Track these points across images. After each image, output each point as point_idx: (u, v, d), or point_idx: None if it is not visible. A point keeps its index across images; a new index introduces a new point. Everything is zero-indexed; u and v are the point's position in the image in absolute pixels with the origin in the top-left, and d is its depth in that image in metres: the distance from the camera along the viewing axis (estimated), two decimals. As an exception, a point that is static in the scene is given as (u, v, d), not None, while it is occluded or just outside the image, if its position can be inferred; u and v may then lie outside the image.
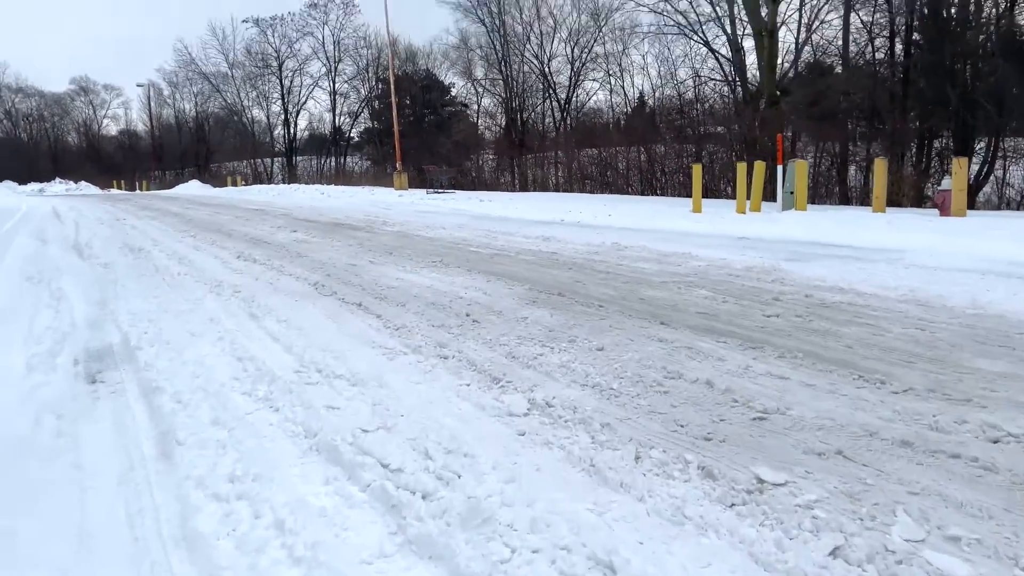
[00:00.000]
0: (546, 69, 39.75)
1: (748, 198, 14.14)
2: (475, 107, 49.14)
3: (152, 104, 63.67)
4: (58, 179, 55.30)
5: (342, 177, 48.19)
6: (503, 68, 41.21)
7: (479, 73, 46.85)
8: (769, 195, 15.91)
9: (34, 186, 50.32)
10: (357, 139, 58.40)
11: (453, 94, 53.11)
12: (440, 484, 2.65)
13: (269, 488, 2.66)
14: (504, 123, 42.91)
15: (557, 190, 29.49)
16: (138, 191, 49.40)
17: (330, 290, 6.67)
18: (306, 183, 45.66)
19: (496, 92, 44.17)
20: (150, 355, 4.53)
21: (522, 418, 3.30)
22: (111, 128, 72.31)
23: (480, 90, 47.07)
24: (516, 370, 4.02)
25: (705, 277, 6.64)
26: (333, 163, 60.29)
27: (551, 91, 40.23)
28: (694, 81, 28.54)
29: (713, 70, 27.70)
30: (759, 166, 14.36)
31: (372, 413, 3.38)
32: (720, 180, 22.40)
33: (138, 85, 65.58)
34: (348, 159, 58.15)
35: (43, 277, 6.90)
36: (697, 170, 14.82)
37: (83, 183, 53.48)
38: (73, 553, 2.31)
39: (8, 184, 49.32)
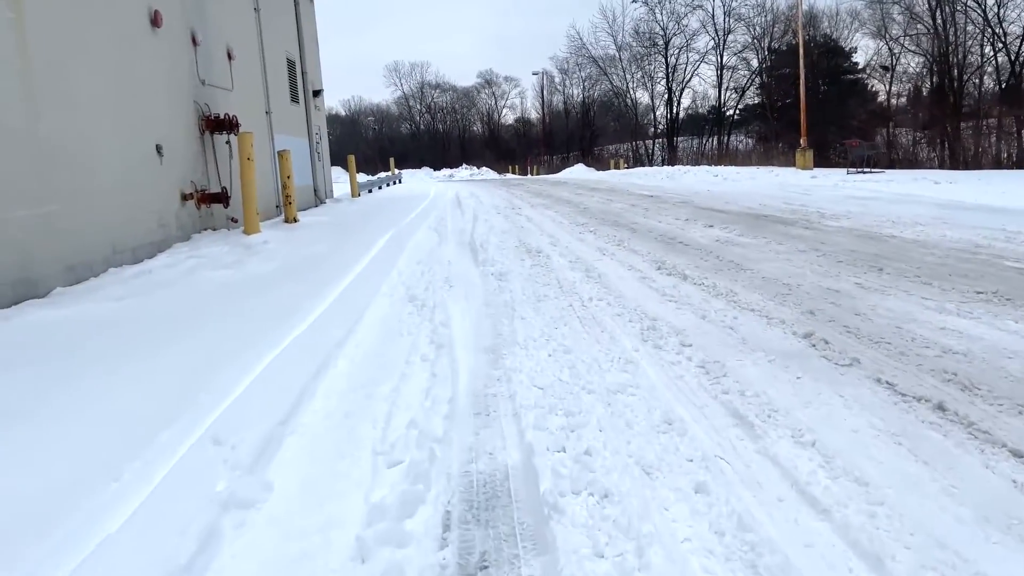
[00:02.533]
0: (991, 15, 31.20)
1: None
2: (885, 72, 41.41)
3: (544, 91, 67.30)
4: (464, 165, 61.40)
5: (727, 157, 44.84)
6: (935, 16, 33.59)
7: (895, 30, 39.56)
8: None
9: (445, 171, 56.37)
10: (738, 117, 54.24)
11: (854, 60, 46.08)
12: None
13: None
14: (930, 85, 35.23)
15: (1002, 166, 22.49)
16: (529, 175, 52.09)
17: (839, 351, 3.86)
18: (689, 164, 43.53)
19: (920, 50, 36.60)
20: (585, 523, 2.24)
21: None
22: (508, 117, 78.69)
23: (897, 50, 39.66)
24: None
25: None
26: (715, 142, 57.22)
27: (999, 42, 31.55)
28: None
29: None
30: None
31: None
32: None
33: (533, 74, 70.31)
34: (731, 138, 54.51)
35: (429, 298, 5.32)
36: None
37: (484, 168, 58.43)
38: None
39: (426, 170, 56.15)
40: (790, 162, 30.07)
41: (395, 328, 4.62)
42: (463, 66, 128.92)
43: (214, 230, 10.29)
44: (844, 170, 20.18)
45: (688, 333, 4.37)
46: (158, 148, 8.70)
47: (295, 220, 11.35)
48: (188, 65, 9.89)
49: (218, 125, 10.33)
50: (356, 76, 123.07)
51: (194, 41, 10.08)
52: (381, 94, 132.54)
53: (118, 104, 7.75)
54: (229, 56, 11.58)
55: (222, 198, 10.02)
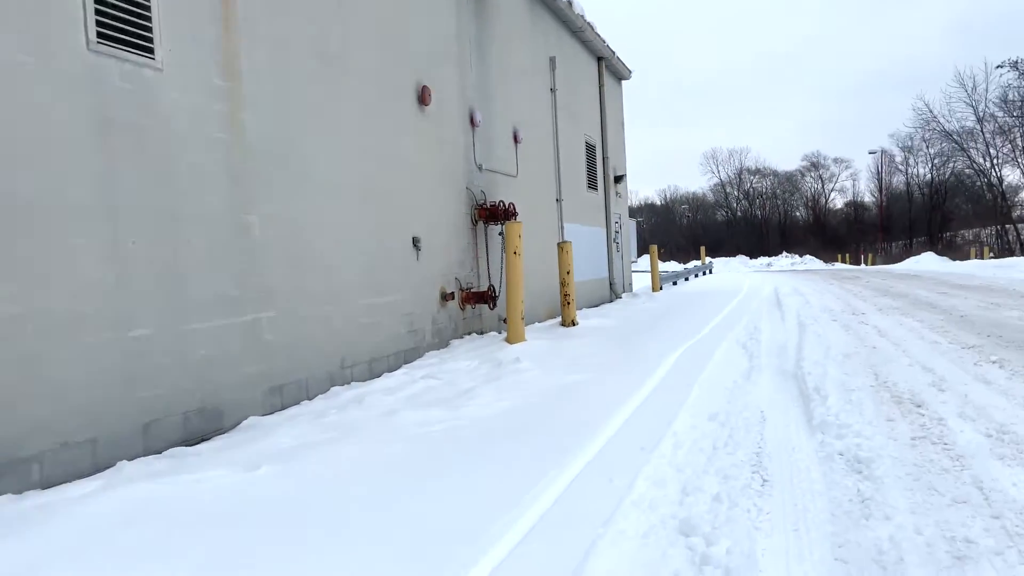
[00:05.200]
0: None
1: None
2: None
3: (882, 172, 59.74)
4: (784, 253, 56.26)
5: None
6: None
7: None
8: None
9: (762, 260, 51.99)
10: None
11: None
12: None
13: None
14: None
15: None
16: (863, 265, 45.58)
17: None
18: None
19: None
20: None
21: None
22: (837, 201, 71.54)
23: None
24: None
25: None
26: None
27: None
28: None
29: None
30: None
31: None
32: None
33: (870, 153, 63.09)
34: None
35: (717, 531, 2.83)
36: None
37: (807, 256, 52.83)
38: None
39: (741, 259, 52.38)
40: None
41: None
42: (785, 149, 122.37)
43: (481, 333, 8.89)
44: None
45: None
46: (415, 241, 7.50)
47: (573, 323, 9.54)
48: (463, 148, 8.79)
49: (492, 215, 9.04)
50: (673, 165, 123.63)
51: (472, 122, 9.00)
52: (697, 182, 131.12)
53: (365, 190, 6.65)
54: (515, 139, 10.43)
55: (488, 298, 8.58)
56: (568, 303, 9.59)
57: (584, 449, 3.65)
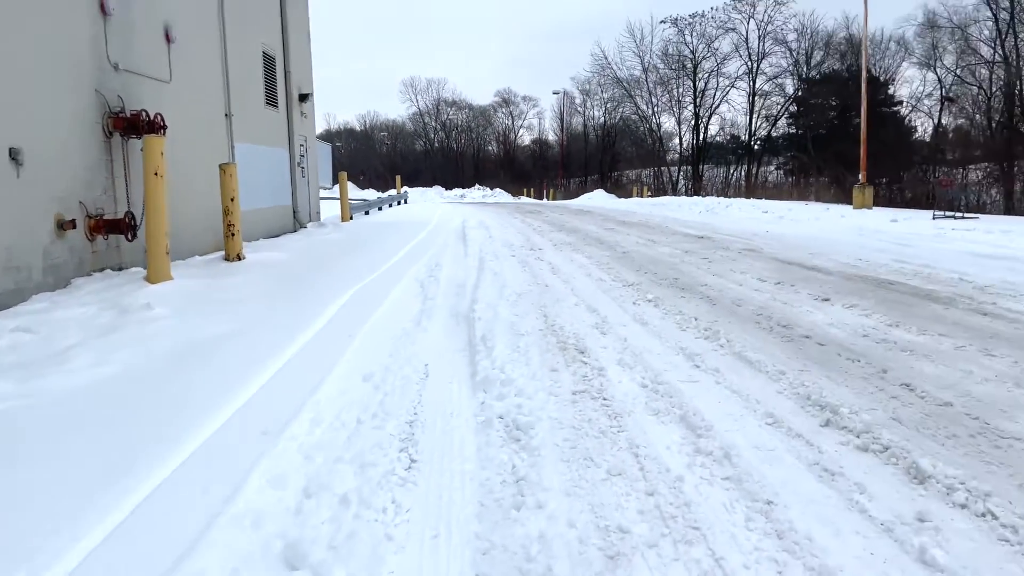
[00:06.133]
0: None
1: None
2: (952, 103, 38.39)
3: (564, 112, 64.57)
4: (477, 185, 58.57)
5: (758, 189, 41.77)
6: (1003, 44, 30.57)
7: (947, 60, 36.70)
8: None
9: (457, 192, 53.51)
10: (768, 146, 51.05)
11: (891, 92, 43.07)
12: None
13: None
14: (993, 119, 32.07)
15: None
16: (545, 199, 49.18)
17: None
18: (715, 195, 40.44)
19: (976, 81, 33.58)
20: None
21: None
22: (525, 138, 75.88)
23: (950, 79, 36.62)
24: None
25: None
26: (743, 172, 54.13)
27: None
28: None
29: None
30: None
31: None
32: None
33: (553, 93, 67.37)
34: (761, 168, 51.45)
35: (335, 544, 2.28)
36: None
37: (498, 190, 55.53)
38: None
39: (437, 189, 53.30)
40: (837, 198, 27.11)
41: None
42: (481, 85, 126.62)
43: (119, 270, 7.38)
44: (927, 213, 17.06)
45: None
46: (12, 154, 5.80)
47: (239, 258, 8.42)
48: (88, 40, 7.02)
49: (132, 126, 7.44)
50: (373, 91, 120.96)
51: (103, 8, 7.21)
52: (397, 109, 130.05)
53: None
54: (167, 38, 8.72)
55: (125, 227, 7.09)
56: (232, 235, 8.40)
57: (184, 440, 2.84)
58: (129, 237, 7.19)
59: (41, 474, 2.63)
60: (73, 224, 6.60)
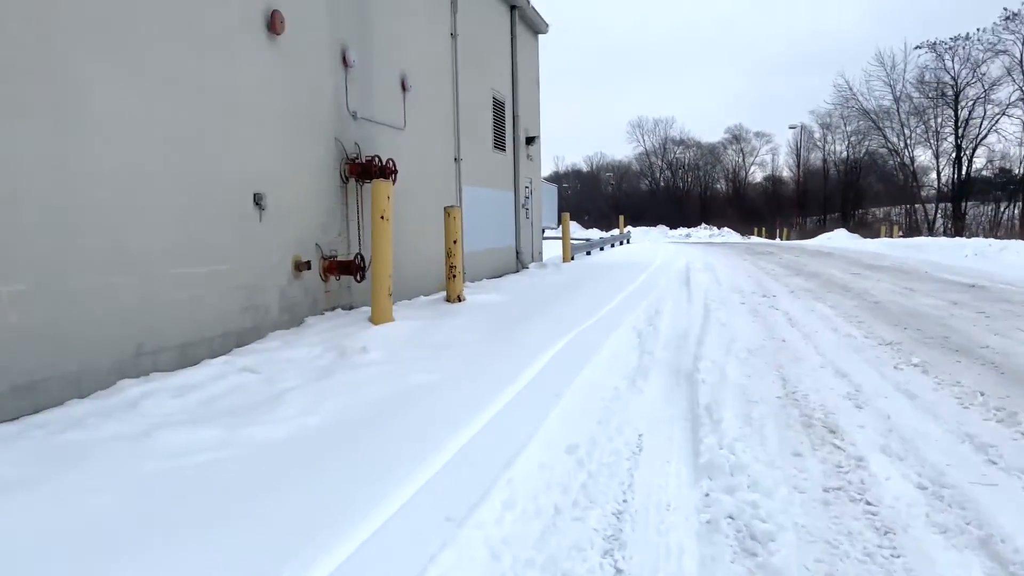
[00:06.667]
0: None
1: None
2: None
3: (800, 148, 60.60)
4: (703, 224, 56.61)
5: (1041, 228, 35.58)
6: None
7: None
8: None
9: (682, 230, 52.08)
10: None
11: None
12: None
13: None
14: None
15: None
16: (778, 239, 46.11)
17: None
18: (979, 236, 35.03)
19: None
20: None
21: None
22: (756, 175, 72.45)
23: None
24: None
25: None
26: (1016, 210, 46.71)
27: None
28: None
29: None
30: None
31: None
32: None
33: (790, 127, 63.76)
34: (1044, 205, 44.03)
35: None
36: None
37: (726, 229, 53.22)
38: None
39: (660, 229, 52.32)
40: None
41: None
42: (710, 122, 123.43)
43: (349, 309, 7.68)
44: None
45: None
46: (256, 199, 6.20)
47: (459, 299, 8.43)
48: (331, 92, 7.45)
49: (365, 172, 7.76)
50: (600, 132, 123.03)
51: (345, 62, 7.65)
52: (623, 150, 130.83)
53: (174, 133, 5.28)
54: (403, 87, 9.12)
55: (354, 268, 7.35)
56: (453, 276, 8.45)
57: (356, 525, 2.44)
58: (358, 278, 7.44)
59: (197, 550, 2.44)
60: (308, 265, 6.94)
